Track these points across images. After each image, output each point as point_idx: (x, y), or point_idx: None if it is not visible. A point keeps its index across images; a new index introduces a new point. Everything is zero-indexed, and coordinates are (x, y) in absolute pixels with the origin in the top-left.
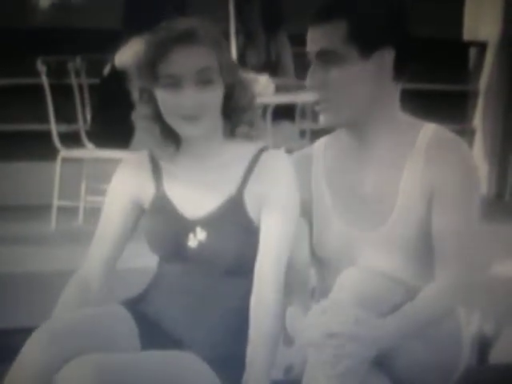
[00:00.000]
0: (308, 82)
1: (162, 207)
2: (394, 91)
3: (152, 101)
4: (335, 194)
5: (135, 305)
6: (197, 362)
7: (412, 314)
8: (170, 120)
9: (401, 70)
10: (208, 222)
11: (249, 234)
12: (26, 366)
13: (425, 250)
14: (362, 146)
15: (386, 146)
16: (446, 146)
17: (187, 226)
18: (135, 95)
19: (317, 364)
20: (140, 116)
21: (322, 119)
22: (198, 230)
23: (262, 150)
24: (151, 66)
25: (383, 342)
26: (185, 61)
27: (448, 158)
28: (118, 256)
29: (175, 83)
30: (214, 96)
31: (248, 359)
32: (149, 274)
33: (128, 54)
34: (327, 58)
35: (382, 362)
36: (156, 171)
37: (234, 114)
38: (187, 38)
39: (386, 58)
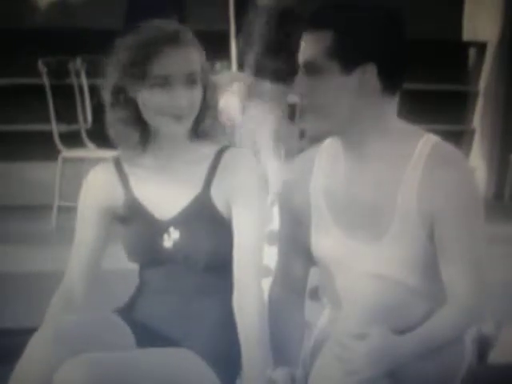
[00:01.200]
0: (294, 89)
1: (135, 211)
2: (384, 103)
3: (129, 103)
4: (332, 203)
5: (126, 314)
6: (193, 358)
7: (431, 335)
8: (156, 119)
9: (391, 83)
10: (179, 221)
11: (221, 228)
12: (29, 367)
13: (428, 260)
14: (357, 157)
15: (382, 157)
16: (445, 163)
17: (161, 227)
18: (108, 98)
19: (333, 370)
20: (116, 119)
21: (305, 127)
22: (171, 229)
23: (223, 149)
24: (140, 65)
25: (400, 361)
26: (176, 62)
27: (447, 178)
28: (98, 262)
29: (166, 83)
30: (199, 96)
31: (243, 359)
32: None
33: None
34: (310, 68)
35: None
36: (122, 176)
37: (201, 114)
38: (177, 40)
39: (368, 73)
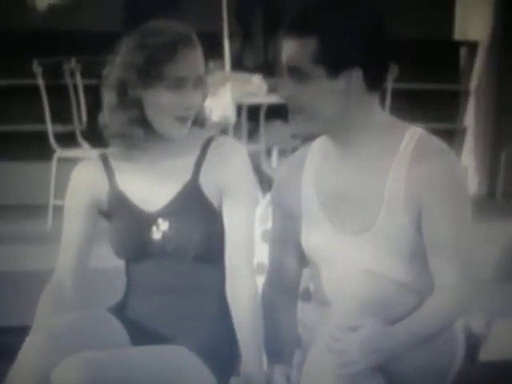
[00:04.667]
0: (279, 92)
1: (119, 204)
2: (369, 100)
3: (134, 102)
4: (322, 196)
5: (119, 313)
6: (188, 355)
7: (421, 323)
8: (162, 121)
9: (375, 83)
10: (168, 212)
11: (211, 217)
12: (25, 366)
13: (416, 253)
14: (346, 151)
15: (369, 151)
16: (430, 155)
17: (149, 220)
18: (111, 97)
19: (326, 363)
20: (123, 121)
21: (293, 129)
22: (160, 221)
23: (210, 138)
24: (155, 66)
25: (393, 351)
26: (189, 64)
27: (433, 168)
28: (87, 256)
29: (178, 85)
30: (203, 98)
31: (240, 353)
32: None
33: None
34: (295, 73)
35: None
36: (108, 170)
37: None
38: (190, 42)
39: (354, 77)
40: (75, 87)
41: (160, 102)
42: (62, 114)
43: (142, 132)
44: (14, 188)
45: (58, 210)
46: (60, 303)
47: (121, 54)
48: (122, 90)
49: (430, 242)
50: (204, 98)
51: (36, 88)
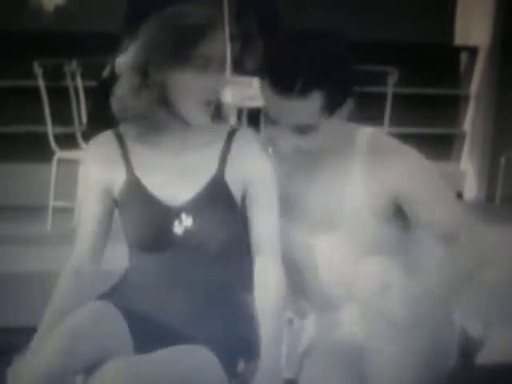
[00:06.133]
0: (284, 149)
1: (135, 191)
2: None
3: (159, 85)
4: (289, 203)
5: (116, 301)
6: (207, 354)
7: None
8: (185, 104)
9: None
10: (193, 207)
11: (233, 213)
12: (41, 365)
13: (388, 242)
14: (306, 157)
15: (326, 154)
16: (385, 145)
17: (171, 213)
18: (136, 81)
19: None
20: (147, 101)
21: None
22: (183, 216)
23: (233, 130)
24: (186, 47)
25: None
26: (217, 45)
27: (393, 155)
28: (106, 240)
29: (206, 66)
30: (223, 84)
31: (261, 350)
32: None
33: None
34: (301, 128)
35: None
36: (124, 152)
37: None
38: (216, 24)
39: (348, 106)
40: (76, 89)
41: (185, 84)
42: (62, 116)
43: (163, 113)
44: (13, 189)
45: (58, 211)
46: (80, 289)
47: (146, 35)
48: (146, 71)
49: (422, 218)
50: (224, 84)
51: (36, 89)
